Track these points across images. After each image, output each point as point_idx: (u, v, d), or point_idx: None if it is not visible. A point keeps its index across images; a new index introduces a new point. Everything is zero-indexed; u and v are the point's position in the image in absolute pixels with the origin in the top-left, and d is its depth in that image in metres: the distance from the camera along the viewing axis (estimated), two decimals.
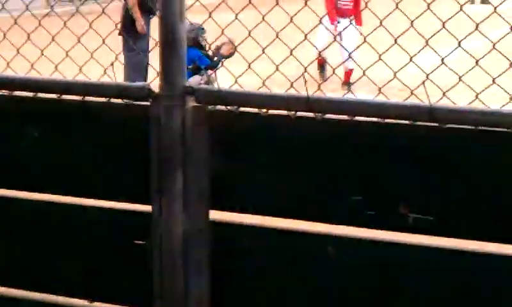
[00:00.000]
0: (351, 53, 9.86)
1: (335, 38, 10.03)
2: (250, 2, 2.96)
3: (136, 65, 9.63)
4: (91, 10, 3.94)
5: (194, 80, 9.55)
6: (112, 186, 3.11)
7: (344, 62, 10.21)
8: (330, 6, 11.03)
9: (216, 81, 9.48)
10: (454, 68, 2.98)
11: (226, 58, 9.49)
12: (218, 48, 9.86)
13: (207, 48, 10.04)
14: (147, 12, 9.58)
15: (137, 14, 9.61)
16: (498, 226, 2.57)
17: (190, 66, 9.62)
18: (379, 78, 3.19)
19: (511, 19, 2.68)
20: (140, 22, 9.57)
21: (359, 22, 10.89)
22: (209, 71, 9.73)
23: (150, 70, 9.03)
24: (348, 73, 11.05)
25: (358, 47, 3.18)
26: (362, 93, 3.34)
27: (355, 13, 11.06)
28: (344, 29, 10.05)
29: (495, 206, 2.56)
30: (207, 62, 9.82)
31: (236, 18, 3.13)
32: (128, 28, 9.52)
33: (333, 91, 9.19)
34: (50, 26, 3.48)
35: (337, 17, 10.89)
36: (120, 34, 8.94)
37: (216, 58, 9.87)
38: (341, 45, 9.76)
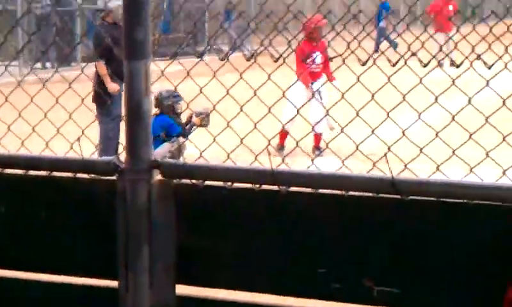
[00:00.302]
0: (317, 123, 9.97)
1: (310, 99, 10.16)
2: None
3: (109, 132, 9.65)
4: (62, 78, 3.96)
5: (165, 148, 9.56)
6: (79, 262, 3.10)
7: (314, 125, 10.29)
8: (302, 70, 11.06)
9: (185, 150, 9.56)
10: (419, 136, 3.04)
11: (199, 126, 9.54)
12: (190, 116, 9.93)
13: (181, 116, 10.08)
14: (120, 79, 9.62)
15: (107, 80, 9.66)
16: (464, 300, 2.60)
17: (161, 134, 9.63)
18: (349, 143, 3.24)
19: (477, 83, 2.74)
20: (111, 86, 9.61)
21: (332, 78, 10.91)
22: (180, 139, 9.75)
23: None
24: (317, 137, 11.10)
25: (324, 116, 3.23)
26: (332, 158, 3.38)
27: (324, 73, 11.13)
28: (317, 91, 10.20)
29: (460, 279, 2.59)
30: (178, 130, 9.84)
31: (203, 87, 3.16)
32: (101, 95, 9.55)
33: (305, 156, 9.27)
34: (20, 97, 3.50)
35: (310, 80, 10.92)
36: (93, 101, 8.97)
37: (187, 126, 9.91)
38: (321, 103, 9.85)
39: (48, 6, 21.92)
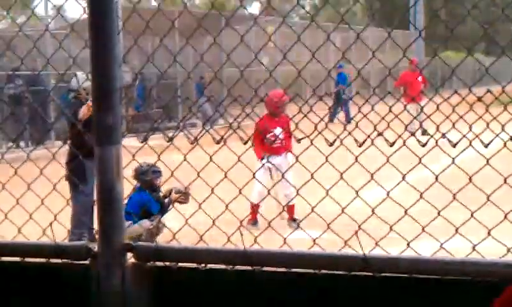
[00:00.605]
0: (291, 199, 10.02)
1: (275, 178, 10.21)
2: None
3: (81, 207, 9.62)
4: (38, 156, 3.99)
5: (144, 224, 9.55)
6: None
7: (288, 202, 10.32)
8: (259, 144, 11.09)
9: (163, 227, 9.54)
10: (400, 199, 3.09)
11: (178, 203, 9.54)
12: (170, 192, 9.94)
13: (160, 191, 10.10)
14: (91, 157, 9.60)
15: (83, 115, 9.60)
16: None
17: (139, 212, 9.61)
18: (326, 213, 3.28)
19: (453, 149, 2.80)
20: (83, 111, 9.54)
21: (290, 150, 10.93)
22: (159, 216, 9.75)
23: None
24: (291, 209, 11.09)
25: (304, 184, 3.27)
26: (310, 230, 3.42)
27: (287, 148, 11.16)
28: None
29: None
30: (157, 207, 9.86)
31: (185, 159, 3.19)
32: (74, 171, 9.55)
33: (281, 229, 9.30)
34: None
35: (266, 154, 10.91)
36: (66, 179, 8.96)
37: (166, 200, 9.92)
38: (285, 178, 9.86)
39: (21, 86, 21.99)
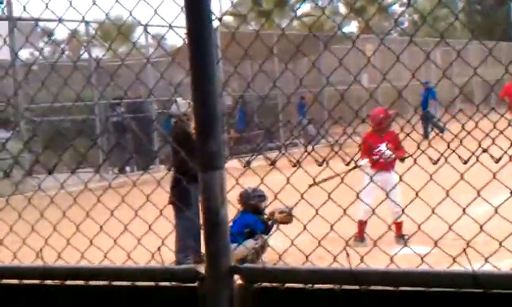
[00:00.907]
0: (398, 216, 9.89)
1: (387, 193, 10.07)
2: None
3: (186, 231, 9.78)
4: (143, 181, 4.09)
5: (249, 245, 9.67)
6: None
7: (396, 218, 10.21)
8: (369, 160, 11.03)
9: (267, 246, 9.60)
10: (507, 216, 3.03)
11: (281, 224, 9.61)
12: (272, 213, 10.03)
13: (264, 214, 10.22)
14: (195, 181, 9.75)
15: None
16: None
17: (246, 230, 9.73)
18: (433, 229, 3.24)
19: None
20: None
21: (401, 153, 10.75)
22: (264, 236, 9.85)
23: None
24: (398, 225, 10.97)
25: (410, 203, 3.25)
26: (416, 246, 3.40)
27: (394, 164, 11.00)
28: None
29: None
30: (261, 227, 9.97)
31: (287, 181, 3.21)
32: (178, 196, 9.72)
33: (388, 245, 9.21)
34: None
35: (373, 170, 10.79)
36: (170, 203, 9.13)
37: (270, 222, 10.02)
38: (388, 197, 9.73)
39: (123, 114, 22.57)
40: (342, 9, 58.26)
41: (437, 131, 22.71)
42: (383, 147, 11.27)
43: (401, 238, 10.68)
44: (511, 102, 20.37)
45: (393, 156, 10.99)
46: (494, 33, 40.13)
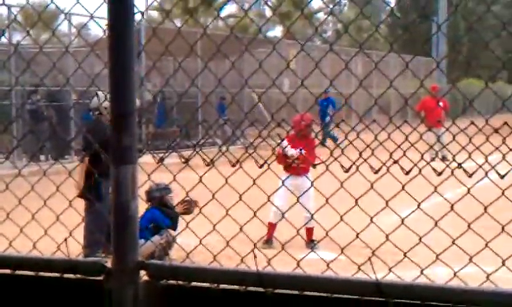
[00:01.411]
0: (308, 221, 10.00)
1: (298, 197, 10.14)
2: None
3: (94, 225, 9.68)
4: (57, 170, 4.03)
5: (155, 240, 9.63)
6: None
7: (306, 223, 10.30)
8: (279, 160, 11.13)
9: (174, 242, 9.60)
10: (414, 227, 3.10)
11: (184, 214, 9.64)
12: (176, 206, 10.03)
13: (170, 208, 10.19)
14: (106, 175, 9.65)
15: (80, 181, 9.73)
16: None
17: (151, 226, 9.71)
18: (343, 236, 3.28)
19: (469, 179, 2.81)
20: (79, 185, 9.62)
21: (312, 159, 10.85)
22: (170, 231, 9.83)
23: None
24: (309, 231, 11.09)
25: (319, 208, 3.30)
26: (326, 252, 3.44)
27: (308, 170, 11.11)
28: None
29: None
30: (166, 222, 9.94)
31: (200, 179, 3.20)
32: (89, 189, 9.61)
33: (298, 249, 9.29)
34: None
35: (287, 174, 10.86)
36: (79, 196, 9.00)
37: (174, 216, 10.00)
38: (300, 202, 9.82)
39: (38, 102, 22.18)
40: (269, 12, 58.55)
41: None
42: (293, 151, 11.35)
43: (311, 243, 10.81)
44: (427, 116, 20.85)
45: (301, 161, 11.10)
46: (416, 48, 40.94)
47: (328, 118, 26.97)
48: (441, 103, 22.17)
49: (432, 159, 3.08)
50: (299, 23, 49.47)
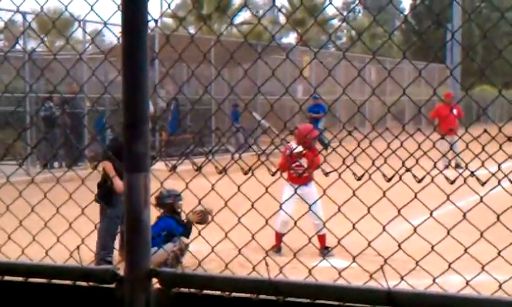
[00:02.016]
0: (319, 230, 9.97)
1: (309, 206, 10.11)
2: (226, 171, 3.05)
3: (107, 232, 9.71)
4: (71, 177, 4.04)
5: (167, 248, 9.65)
6: None
7: (318, 231, 10.28)
8: (283, 168, 11.18)
9: (187, 249, 9.62)
10: (426, 236, 3.09)
11: (198, 223, 9.66)
12: (189, 214, 10.06)
13: (180, 214, 10.22)
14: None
15: (115, 180, 9.73)
16: None
17: (164, 233, 9.74)
18: (355, 244, 3.28)
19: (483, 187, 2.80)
20: (118, 184, 9.61)
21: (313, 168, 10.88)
22: (183, 239, 9.86)
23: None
24: (321, 238, 11.08)
25: (331, 216, 3.30)
26: (338, 259, 3.43)
27: (312, 179, 11.12)
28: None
29: None
30: (179, 230, 9.97)
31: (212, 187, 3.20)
32: (103, 195, 9.64)
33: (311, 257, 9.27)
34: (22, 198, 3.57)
35: (293, 184, 10.83)
36: (96, 200, 9.02)
37: (188, 224, 10.02)
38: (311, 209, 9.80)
39: (51, 108, 22.26)
40: (283, 19, 58.63)
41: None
42: (302, 162, 11.40)
43: (325, 250, 10.80)
44: (440, 124, 20.78)
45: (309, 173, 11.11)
46: (429, 54, 40.87)
47: (320, 125, 26.59)
48: (455, 111, 22.12)
49: (446, 167, 3.08)
50: (313, 29, 49.52)
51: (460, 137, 3.10)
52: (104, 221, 9.63)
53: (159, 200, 9.98)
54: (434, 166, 3.01)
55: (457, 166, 18.34)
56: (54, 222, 3.48)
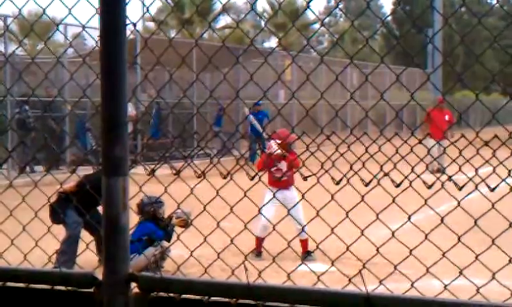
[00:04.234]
0: (300, 232, 9.96)
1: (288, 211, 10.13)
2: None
3: (69, 240, 9.66)
4: (51, 181, 4.01)
5: (148, 253, 9.64)
6: None
7: (297, 235, 10.27)
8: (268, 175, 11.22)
9: (168, 253, 9.62)
10: (404, 239, 3.10)
11: (181, 227, 9.68)
12: (170, 218, 10.05)
13: (163, 221, 10.21)
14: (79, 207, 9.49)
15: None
16: None
17: (144, 238, 9.73)
18: (339, 248, 3.28)
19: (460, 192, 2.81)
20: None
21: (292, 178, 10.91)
22: (164, 243, 9.86)
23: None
24: (303, 242, 11.07)
25: (310, 221, 3.30)
26: (320, 264, 3.44)
27: (292, 183, 11.16)
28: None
29: None
30: (160, 235, 9.96)
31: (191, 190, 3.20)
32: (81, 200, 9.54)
33: (289, 263, 9.27)
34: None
35: (273, 188, 10.84)
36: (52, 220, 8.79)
37: (169, 228, 10.02)
38: (290, 214, 9.84)
39: (27, 112, 22.11)
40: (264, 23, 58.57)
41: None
42: (282, 166, 11.41)
43: (307, 254, 10.80)
44: (432, 128, 20.78)
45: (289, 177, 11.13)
46: (411, 59, 41.05)
47: (263, 133, 25.64)
48: (447, 117, 22.22)
49: (438, 171, 3.07)
50: (295, 34, 49.58)
51: (437, 142, 3.12)
52: (67, 231, 9.62)
53: (141, 207, 9.98)
54: (412, 171, 3.02)
55: (442, 171, 18.36)
56: (32, 226, 3.46)
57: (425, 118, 23.73)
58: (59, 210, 9.02)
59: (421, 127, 20.54)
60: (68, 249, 9.57)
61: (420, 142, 3.07)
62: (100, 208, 2.94)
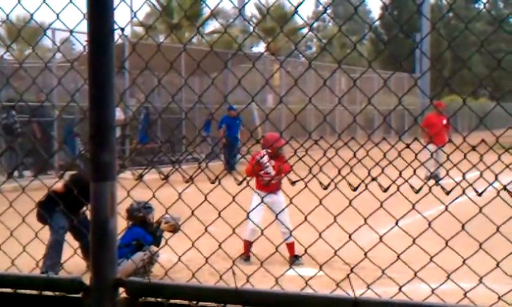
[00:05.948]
0: (287, 237, 9.96)
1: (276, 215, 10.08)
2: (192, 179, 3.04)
3: (54, 245, 9.65)
4: (39, 186, 4.00)
5: (136, 259, 9.62)
6: None
7: (285, 240, 10.28)
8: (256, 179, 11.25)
9: (157, 257, 9.62)
10: (394, 243, 3.11)
11: (170, 232, 9.68)
12: (159, 223, 10.05)
13: (152, 226, 10.21)
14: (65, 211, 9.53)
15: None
16: None
17: (133, 243, 9.73)
18: (327, 252, 3.28)
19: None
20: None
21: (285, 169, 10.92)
22: (152, 248, 9.85)
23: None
24: (290, 246, 11.06)
25: (298, 225, 3.30)
26: (308, 268, 3.44)
27: (280, 187, 11.17)
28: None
29: None
30: (149, 240, 9.96)
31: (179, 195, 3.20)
32: (45, 208, 9.50)
33: (278, 267, 9.28)
34: None
35: (261, 192, 10.86)
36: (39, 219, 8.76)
37: (158, 233, 10.02)
38: (277, 217, 9.86)
39: (13, 117, 22.02)
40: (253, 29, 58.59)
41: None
42: (269, 170, 11.41)
43: (295, 258, 10.80)
44: (429, 132, 20.76)
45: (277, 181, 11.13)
46: (400, 64, 41.17)
47: (238, 140, 24.89)
48: (444, 121, 22.25)
49: (430, 178, 3.08)
50: (284, 38, 49.61)
51: (425, 147, 3.12)
52: (51, 235, 9.61)
53: (130, 212, 9.98)
54: (400, 175, 3.03)
55: (437, 178, 18.39)
56: (20, 232, 3.45)
57: (424, 122, 23.64)
58: (45, 214, 9.02)
59: (422, 132, 20.40)
60: (54, 253, 9.59)
61: (425, 147, 3.09)
62: (88, 213, 2.92)
